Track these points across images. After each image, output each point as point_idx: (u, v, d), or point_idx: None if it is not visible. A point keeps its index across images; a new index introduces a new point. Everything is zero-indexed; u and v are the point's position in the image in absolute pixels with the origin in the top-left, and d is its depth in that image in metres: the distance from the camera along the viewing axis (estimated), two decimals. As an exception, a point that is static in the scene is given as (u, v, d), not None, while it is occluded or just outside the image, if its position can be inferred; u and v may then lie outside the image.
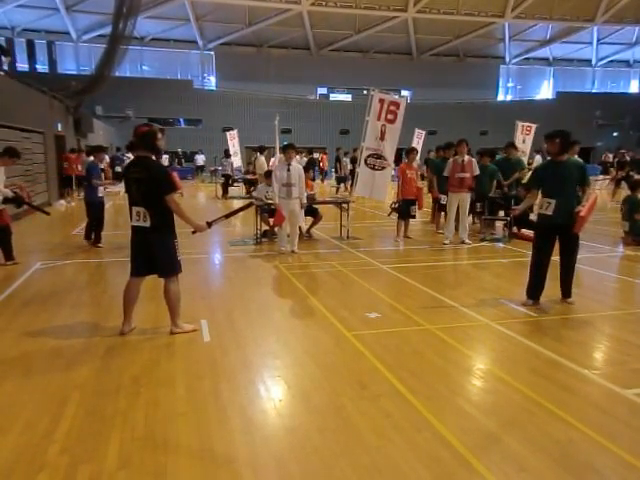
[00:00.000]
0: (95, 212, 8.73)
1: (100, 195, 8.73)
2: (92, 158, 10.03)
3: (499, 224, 10.30)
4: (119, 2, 16.35)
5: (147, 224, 4.24)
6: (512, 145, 10.59)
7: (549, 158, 5.56)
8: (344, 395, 3.40)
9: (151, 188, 4.20)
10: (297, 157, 21.45)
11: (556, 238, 5.27)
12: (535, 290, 5.35)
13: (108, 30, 20.95)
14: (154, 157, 4.37)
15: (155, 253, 4.33)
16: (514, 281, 6.63)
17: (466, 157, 8.80)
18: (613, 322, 4.91)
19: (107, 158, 19.50)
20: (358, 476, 2.56)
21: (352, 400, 3.32)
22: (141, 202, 4.24)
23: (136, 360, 3.98)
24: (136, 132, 4.32)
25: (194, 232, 4.55)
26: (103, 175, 17.56)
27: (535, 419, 3.09)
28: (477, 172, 8.87)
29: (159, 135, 4.34)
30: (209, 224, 4.58)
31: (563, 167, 5.18)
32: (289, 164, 8.10)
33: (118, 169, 23.92)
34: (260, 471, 2.61)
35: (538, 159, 20.79)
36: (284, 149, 8.34)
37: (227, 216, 4.90)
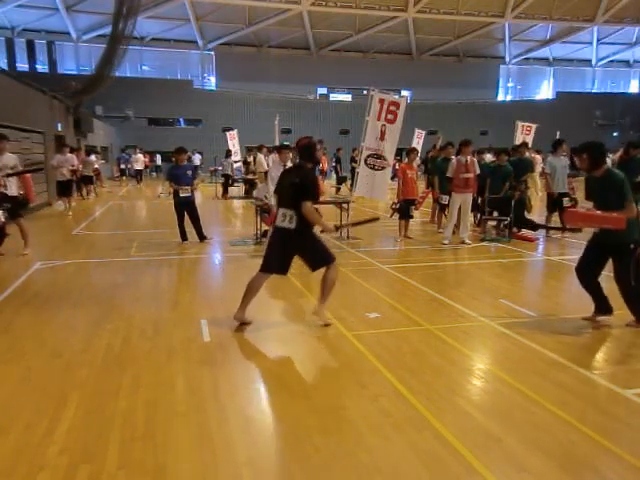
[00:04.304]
0: (177, 212, 8.98)
1: (182, 195, 8.84)
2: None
3: (490, 224, 10.27)
4: (119, 2, 16.38)
5: (292, 226, 4.45)
6: (526, 145, 11.12)
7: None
8: (344, 395, 3.40)
9: (299, 192, 4.44)
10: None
11: (601, 254, 4.77)
12: (596, 303, 4.86)
13: (108, 30, 21.00)
14: (310, 165, 4.68)
15: (305, 255, 4.65)
16: (514, 281, 6.64)
17: (468, 157, 8.85)
18: (613, 322, 4.90)
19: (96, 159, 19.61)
20: (358, 476, 2.56)
21: (352, 400, 3.33)
22: (290, 204, 4.47)
23: (136, 360, 3.98)
24: (297, 144, 4.77)
25: (322, 231, 4.87)
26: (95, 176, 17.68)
27: (535, 419, 3.08)
28: (478, 171, 8.94)
29: (317, 146, 4.77)
30: (337, 227, 5.14)
31: (600, 182, 4.63)
32: (284, 165, 7.90)
33: (122, 167, 24.61)
34: (260, 471, 2.61)
35: (538, 160, 20.83)
36: (279, 150, 8.24)
37: (354, 224, 5.75)
